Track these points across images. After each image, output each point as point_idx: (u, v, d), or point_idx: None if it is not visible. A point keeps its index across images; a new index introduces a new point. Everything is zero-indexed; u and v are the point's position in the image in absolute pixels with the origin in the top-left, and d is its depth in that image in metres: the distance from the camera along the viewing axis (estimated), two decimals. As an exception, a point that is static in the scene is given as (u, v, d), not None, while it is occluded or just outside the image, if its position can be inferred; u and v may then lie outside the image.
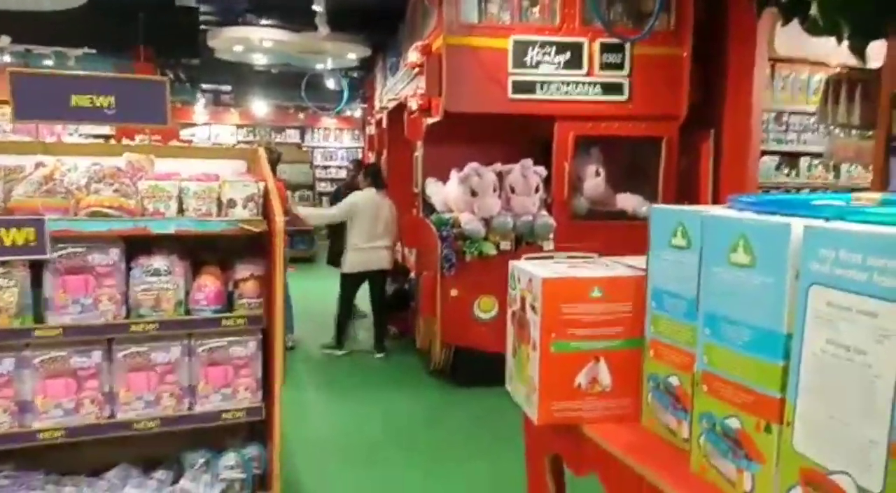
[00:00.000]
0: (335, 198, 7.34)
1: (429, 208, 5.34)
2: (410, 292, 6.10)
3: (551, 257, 4.77)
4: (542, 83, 4.71)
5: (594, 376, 1.37)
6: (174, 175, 2.23)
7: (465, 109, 4.63)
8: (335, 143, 17.22)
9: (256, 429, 2.44)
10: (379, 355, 5.70)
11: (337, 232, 6.41)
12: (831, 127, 3.62)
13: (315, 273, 6.73)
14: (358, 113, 15.29)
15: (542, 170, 4.70)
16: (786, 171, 5.23)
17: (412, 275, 6.19)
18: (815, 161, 5.28)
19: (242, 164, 2.45)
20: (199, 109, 15.79)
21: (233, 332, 2.23)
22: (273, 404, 2.22)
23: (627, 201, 5.19)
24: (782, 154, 5.18)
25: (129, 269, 2.15)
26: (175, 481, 2.29)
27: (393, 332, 6.24)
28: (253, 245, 2.31)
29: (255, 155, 2.43)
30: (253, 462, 2.34)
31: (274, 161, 5.36)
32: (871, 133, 3.46)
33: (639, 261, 1.58)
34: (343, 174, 14.59)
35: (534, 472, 1.63)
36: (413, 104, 4.96)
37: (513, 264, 1.57)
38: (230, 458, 2.31)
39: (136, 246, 2.17)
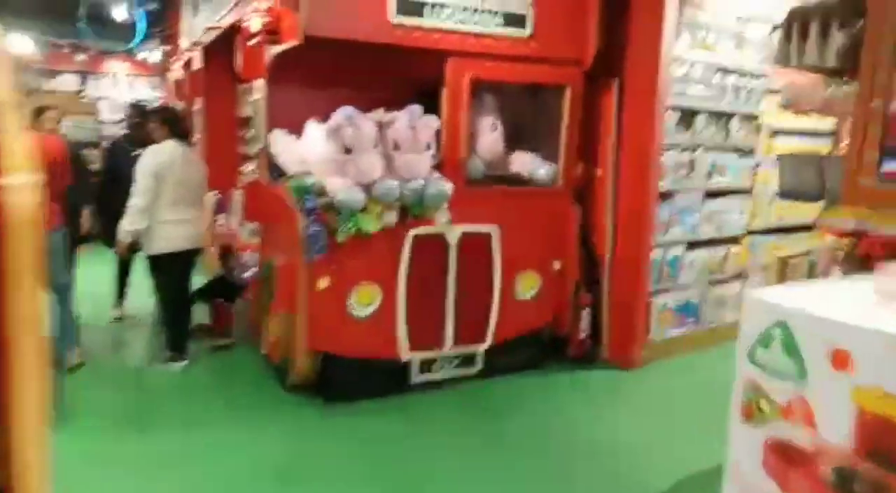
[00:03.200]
0: (105, 160, 5.41)
1: (275, 171, 4.02)
2: (239, 280, 4.73)
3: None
4: (433, 5, 3.59)
5: None
6: None
7: (331, 32, 3.37)
8: (127, 92, 14.40)
9: None
10: (180, 364, 4.21)
11: (108, 194, 4.68)
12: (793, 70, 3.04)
13: (95, 256, 4.94)
14: (158, 55, 12.78)
15: (434, 121, 3.63)
16: (682, 129, 4.69)
17: (244, 257, 4.82)
18: (709, 120, 4.82)
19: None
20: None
21: None
22: None
23: (522, 162, 4.32)
24: (683, 110, 4.62)
25: None
26: None
27: (204, 328, 4.71)
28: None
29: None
30: None
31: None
32: (844, 79, 2.90)
33: None
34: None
35: None
36: (254, 24, 3.56)
37: (771, 304, 0.65)
38: None
39: None
